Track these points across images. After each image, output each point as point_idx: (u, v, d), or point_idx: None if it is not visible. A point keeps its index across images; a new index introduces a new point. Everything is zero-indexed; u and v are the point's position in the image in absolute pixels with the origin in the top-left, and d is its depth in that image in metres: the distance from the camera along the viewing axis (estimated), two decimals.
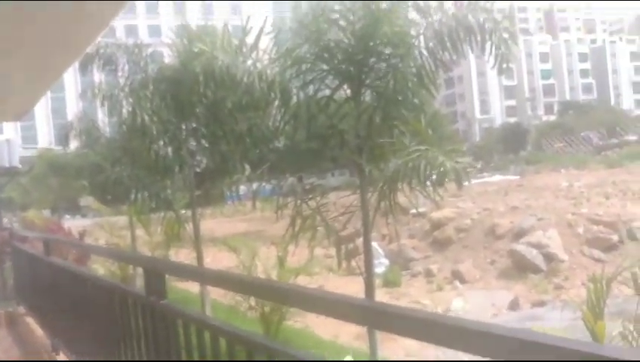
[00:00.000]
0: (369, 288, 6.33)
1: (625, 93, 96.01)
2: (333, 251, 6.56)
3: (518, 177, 36.90)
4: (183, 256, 16.66)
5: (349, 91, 6.07)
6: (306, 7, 6.43)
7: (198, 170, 9.77)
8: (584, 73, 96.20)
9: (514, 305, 12.90)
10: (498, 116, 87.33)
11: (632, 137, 60.87)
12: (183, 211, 10.14)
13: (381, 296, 13.21)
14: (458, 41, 5.43)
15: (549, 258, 15.32)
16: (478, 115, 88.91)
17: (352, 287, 12.25)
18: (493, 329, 1.34)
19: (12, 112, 8.69)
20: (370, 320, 1.82)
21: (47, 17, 4.52)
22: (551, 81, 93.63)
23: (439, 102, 71.04)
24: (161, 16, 74.22)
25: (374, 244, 16.05)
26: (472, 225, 18.79)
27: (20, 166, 15.18)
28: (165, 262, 6.17)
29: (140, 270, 3.99)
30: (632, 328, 5.30)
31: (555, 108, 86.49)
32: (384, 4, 5.72)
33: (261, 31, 6.43)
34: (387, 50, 5.88)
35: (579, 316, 6.39)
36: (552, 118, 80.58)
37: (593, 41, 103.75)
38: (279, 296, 2.32)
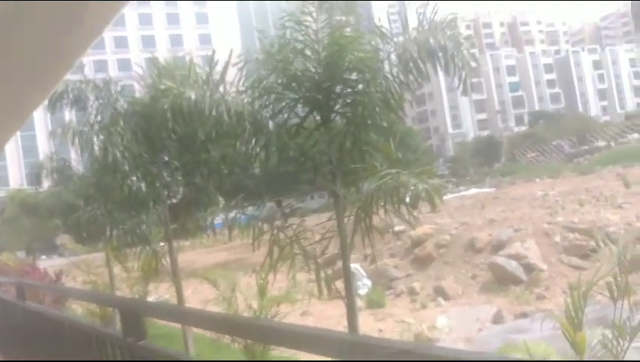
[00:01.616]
0: (350, 312, 6.32)
1: (591, 100, 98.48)
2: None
3: (493, 189, 37.36)
4: (163, 290, 16.41)
5: (318, 118, 6.13)
6: (271, 37, 6.51)
7: (175, 200, 9.69)
8: (551, 83, 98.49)
9: (497, 319, 12.95)
10: (470, 130, 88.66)
11: (602, 143, 62.43)
12: (162, 244, 10.03)
13: (365, 317, 13.16)
14: (421, 64, 5.54)
15: (529, 268, 15.48)
16: (450, 129, 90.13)
17: (336, 311, 12.19)
18: (464, 355, 1.37)
19: None
20: (348, 353, 1.83)
21: (14, 57, 4.49)
22: (519, 92, 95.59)
23: (412, 120, 71.98)
24: (130, 50, 74.11)
25: (356, 266, 16.02)
26: (451, 240, 18.93)
27: None
28: (142, 302, 6.07)
29: None
30: (611, 336, 5.37)
31: (526, 119, 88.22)
32: (348, 33, 5.83)
33: (227, 63, 6.48)
34: (353, 77, 5.98)
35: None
36: (523, 128, 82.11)
37: (557, 52, 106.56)
38: (260, 333, 2.31)
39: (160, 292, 16.29)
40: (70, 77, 9.89)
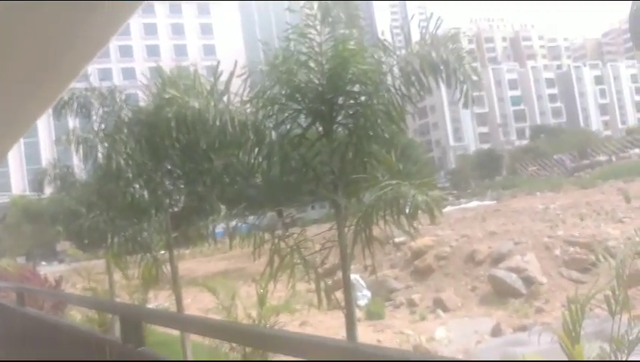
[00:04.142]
0: (350, 322, 6.33)
1: (593, 115, 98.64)
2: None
3: (494, 202, 37.34)
4: (162, 298, 16.41)
5: (321, 129, 6.20)
6: (275, 49, 6.59)
7: (176, 209, 9.73)
8: (552, 98, 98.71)
9: (496, 331, 12.93)
10: (472, 143, 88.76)
11: (603, 158, 62.46)
12: (162, 252, 10.05)
13: (364, 328, 13.15)
14: (423, 78, 5.62)
15: (529, 281, 15.48)
16: (452, 142, 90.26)
17: (335, 322, 12.19)
18: None
19: None
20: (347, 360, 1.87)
21: (20, 65, 4.56)
22: (521, 106, 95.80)
23: (414, 132, 72.15)
24: (135, 59, 74.50)
25: (356, 277, 16.02)
26: (451, 252, 18.93)
27: None
28: (142, 308, 6.10)
29: None
30: (608, 349, 5.39)
31: (527, 132, 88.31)
32: (351, 46, 5.92)
33: (232, 74, 6.55)
34: (356, 89, 6.05)
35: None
36: (525, 142, 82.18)
37: (559, 67, 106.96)
38: (258, 340, 2.35)
39: (160, 300, 16.30)
40: (76, 85, 9.97)
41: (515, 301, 14.92)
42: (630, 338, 5.36)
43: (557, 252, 16.74)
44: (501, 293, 15.41)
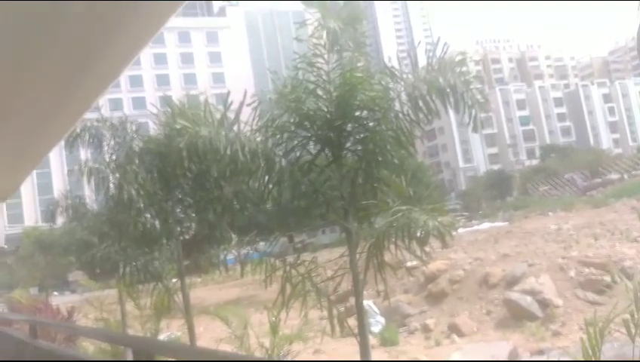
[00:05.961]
0: (364, 349, 6.26)
1: (602, 133, 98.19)
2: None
3: (506, 223, 37.02)
4: (175, 327, 16.30)
5: (330, 155, 6.23)
6: (284, 78, 6.67)
7: (187, 237, 9.74)
8: (561, 117, 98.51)
9: (513, 356, 12.70)
10: (481, 164, 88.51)
11: (615, 176, 61.93)
12: (174, 280, 10.04)
13: (379, 355, 12.96)
14: (431, 103, 5.65)
15: (544, 304, 15.24)
16: (461, 163, 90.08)
17: (349, 349, 12.02)
18: None
19: None
20: None
21: (33, 99, 4.65)
22: (530, 126, 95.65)
23: (423, 154, 72.19)
24: (145, 88, 75.54)
25: (369, 303, 15.86)
26: (464, 275, 18.72)
27: (5, 246, 15.04)
28: (154, 341, 6.08)
29: None
30: None
31: (537, 152, 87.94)
32: (359, 73, 5.97)
33: (242, 104, 6.63)
34: (364, 115, 6.11)
35: None
36: (535, 162, 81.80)
37: (566, 86, 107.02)
38: None
39: (172, 329, 16.18)
40: (87, 115, 10.10)
41: (531, 324, 14.67)
42: None
43: (572, 273, 16.51)
44: (517, 316, 15.17)
